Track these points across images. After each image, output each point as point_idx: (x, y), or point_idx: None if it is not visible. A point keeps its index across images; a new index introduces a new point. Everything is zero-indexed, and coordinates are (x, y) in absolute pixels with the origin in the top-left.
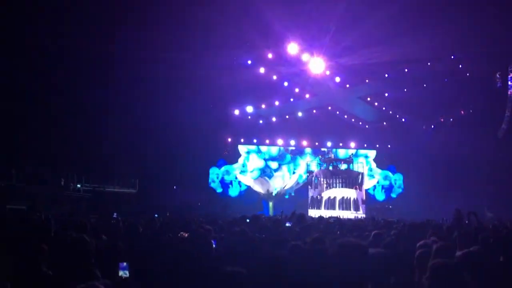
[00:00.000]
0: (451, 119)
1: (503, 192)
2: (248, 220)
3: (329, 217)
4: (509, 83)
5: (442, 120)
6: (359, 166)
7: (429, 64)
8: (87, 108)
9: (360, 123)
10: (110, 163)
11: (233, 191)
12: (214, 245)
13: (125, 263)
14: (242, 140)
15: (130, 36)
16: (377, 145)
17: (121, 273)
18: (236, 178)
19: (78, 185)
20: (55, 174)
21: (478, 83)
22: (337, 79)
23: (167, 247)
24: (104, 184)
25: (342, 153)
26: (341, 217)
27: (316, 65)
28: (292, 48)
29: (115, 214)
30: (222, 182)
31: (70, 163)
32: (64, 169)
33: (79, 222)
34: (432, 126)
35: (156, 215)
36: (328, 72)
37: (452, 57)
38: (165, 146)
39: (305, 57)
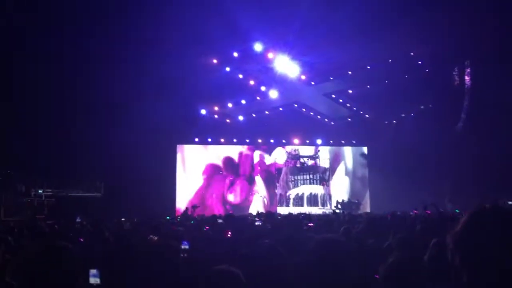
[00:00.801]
0: (412, 114)
1: (464, 184)
2: (220, 220)
3: (299, 213)
4: (466, 77)
5: (404, 115)
6: (325, 162)
7: (390, 61)
8: (48, 110)
9: (326, 120)
10: (73, 167)
11: None
12: (187, 247)
13: (95, 270)
14: (209, 140)
15: (92, 35)
16: (342, 141)
17: (92, 280)
18: None
19: (40, 191)
20: (15, 179)
21: (437, 79)
22: (303, 77)
23: (135, 251)
24: (67, 189)
25: (308, 150)
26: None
27: (282, 63)
28: (258, 46)
29: (78, 218)
30: None
31: (30, 168)
32: (24, 175)
33: (37, 228)
34: (394, 121)
35: (122, 219)
36: (294, 71)
37: (412, 54)
38: (131, 148)
39: (270, 55)
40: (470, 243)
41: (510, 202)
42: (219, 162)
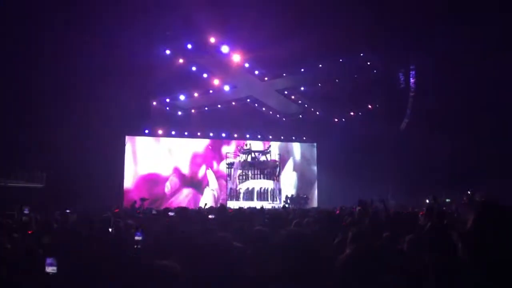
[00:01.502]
0: (360, 113)
1: (405, 181)
2: (171, 213)
3: (252, 208)
4: (411, 79)
5: (353, 113)
6: (276, 157)
7: (340, 60)
8: None
9: (278, 115)
10: (13, 156)
11: None
12: (140, 238)
13: (51, 259)
14: (160, 132)
15: (43, 21)
16: (293, 137)
17: (49, 269)
18: None
19: None
20: None
21: (384, 80)
22: (256, 72)
23: (86, 241)
24: (6, 179)
25: (259, 145)
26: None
27: (235, 57)
28: (212, 40)
29: (26, 209)
30: None
31: None
32: None
33: None
34: (343, 119)
35: (68, 211)
36: (247, 65)
37: (361, 54)
38: (77, 137)
39: (224, 49)
40: (482, 240)
41: (448, 200)
42: (170, 155)
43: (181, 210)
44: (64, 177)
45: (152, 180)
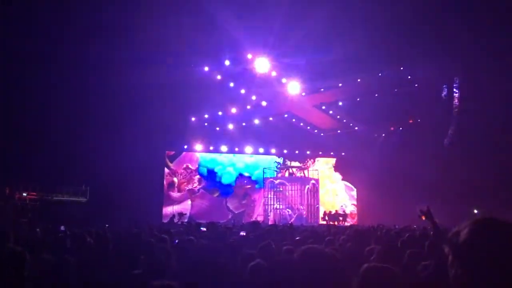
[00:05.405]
0: (401, 128)
1: (449, 199)
2: (203, 229)
3: (284, 225)
4: (455, 94)
5: (393, 128)
6: (314, 173)
7: (380, 74)
8: (34, 112)
9: (316, 131)
10: (59, 170)
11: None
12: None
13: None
14: (198, 148)
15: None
16: (332, 153)
17: None
18: None
19: (24, 194)
20: None
21: (425, 94)
22: (293, 87)
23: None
24: (52, 193)
25: (297, 160)
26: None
27: (273, 72)
28: (249, 56)
29: (62, 227)
30: None
31: (15, 170)
32: (9, 177)
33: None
34: (383, 135)
35: (106, 225)
36: (284, 80)
37: (402, 68)
38: (119, 154)
39: (262, 65)
40: (475, 254)
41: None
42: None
43: (210, 226)
44: (107, 192)
45: (191, 195)
